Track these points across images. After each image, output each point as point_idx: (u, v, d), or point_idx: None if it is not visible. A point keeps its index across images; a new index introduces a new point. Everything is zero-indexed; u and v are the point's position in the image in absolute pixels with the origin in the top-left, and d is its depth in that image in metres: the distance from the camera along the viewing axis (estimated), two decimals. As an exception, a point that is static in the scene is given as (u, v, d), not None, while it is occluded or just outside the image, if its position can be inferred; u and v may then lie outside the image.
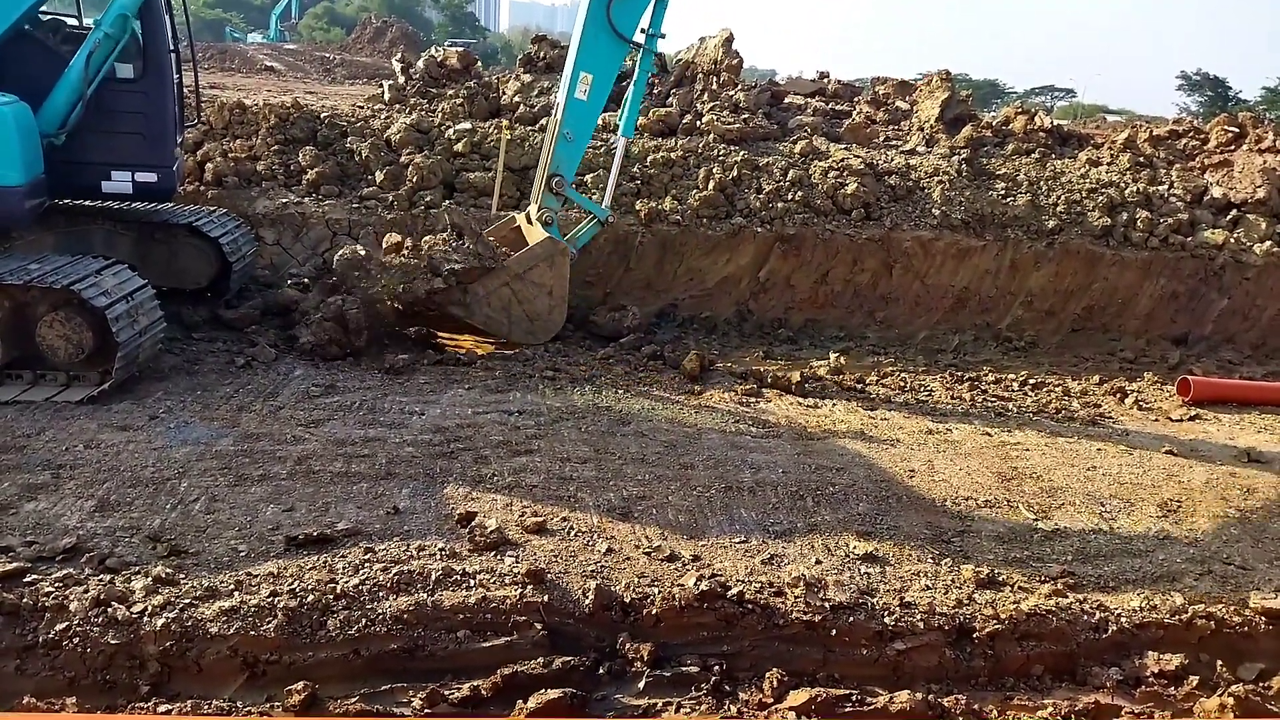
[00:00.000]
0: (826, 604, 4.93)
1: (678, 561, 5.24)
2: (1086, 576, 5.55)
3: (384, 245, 9.66)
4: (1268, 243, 11.78)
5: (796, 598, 4.95)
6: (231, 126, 12.07)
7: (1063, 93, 62.73)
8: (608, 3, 8.87)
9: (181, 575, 4.65)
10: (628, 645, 4.65)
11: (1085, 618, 5.11)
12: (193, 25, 9.42)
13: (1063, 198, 12.04)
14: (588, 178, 11.40)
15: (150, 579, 4.56)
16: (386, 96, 14.25)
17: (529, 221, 9.74)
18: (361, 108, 13.68)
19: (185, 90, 8.75)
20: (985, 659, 4.89)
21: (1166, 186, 12.53)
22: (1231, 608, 5.31)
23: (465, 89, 13.55)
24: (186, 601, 4.45)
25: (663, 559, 5.24)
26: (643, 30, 9.20)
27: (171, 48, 8.32)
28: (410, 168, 11.40)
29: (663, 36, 9.35)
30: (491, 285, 9.01)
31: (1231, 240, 11.84)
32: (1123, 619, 5.14)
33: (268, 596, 4.53)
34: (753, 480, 6.46)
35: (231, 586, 4.59)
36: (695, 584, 4.90)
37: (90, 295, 6.87)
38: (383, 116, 12.86)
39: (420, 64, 14.87)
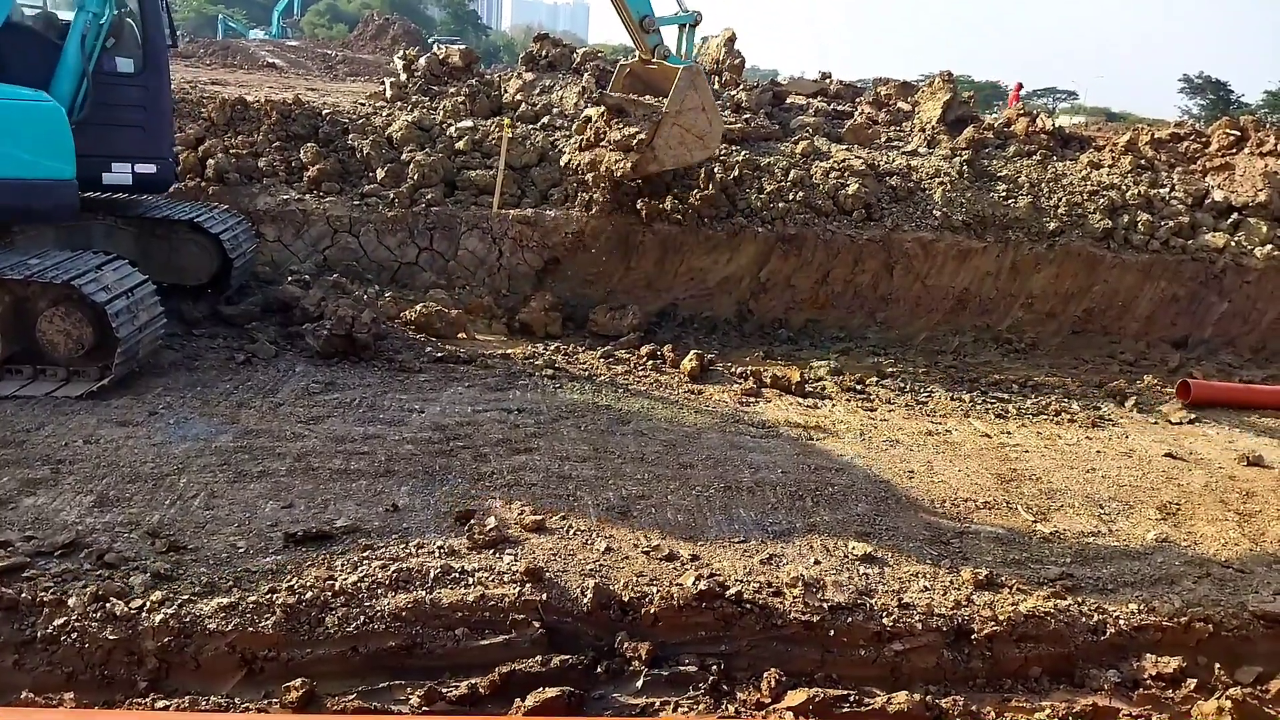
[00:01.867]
0: (825, 604, 4.94)
1: (676, 561, 5.24)
2: (1085, 579, 5.55)
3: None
4: (1268, 246, 11.78)
5: (795, 598, 4.95)
6: (234, 123, 12.06)
7: (1065, 95, 62.80)
8: None
9: (180, 571, 4.66)
10: (626, 644, 4.65)
11: (1083, 620, 5.12)
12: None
13: (1064, 200, 12.03)
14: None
15: (149, 575, 4.56)
16: (388, 94, 14.24)
17: (645, 64, 10.63)
18: (363, 105, 13.67)
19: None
20: (983, 660, 4.89)
21: (1168, 189, 12.53)
22: (1230, 611, 5.31)
23: (467, 87, 13.55)
24: (185, 598, 4.45)
25: (661, 558, 5.24)
26: None
27: (170, 42, 8.59)
28: (411, 165, 11.39)
29: None
30: (665, 133, 10.17)
31: (1232, 243, 11.83)
32: (1121, 621, 5.14)
33: (266, 593, 4.53)
34: (752, 480, 6.46)
35: (230, 583, 4.60)
36: (694, 583, 4.90)
37: (90, 291, 6.87)
38: (384, 114, 12.86)
39: (422, 62, 14.86)
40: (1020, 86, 28.56)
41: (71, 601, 4.34)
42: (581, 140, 10.90)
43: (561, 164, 11.09)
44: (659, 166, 10.40)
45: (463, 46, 16.86)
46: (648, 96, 10.40)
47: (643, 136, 10.14)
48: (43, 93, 7.51)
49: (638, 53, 10.56)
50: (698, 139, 10.38)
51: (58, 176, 7.51)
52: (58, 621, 4.28)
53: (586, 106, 12.96)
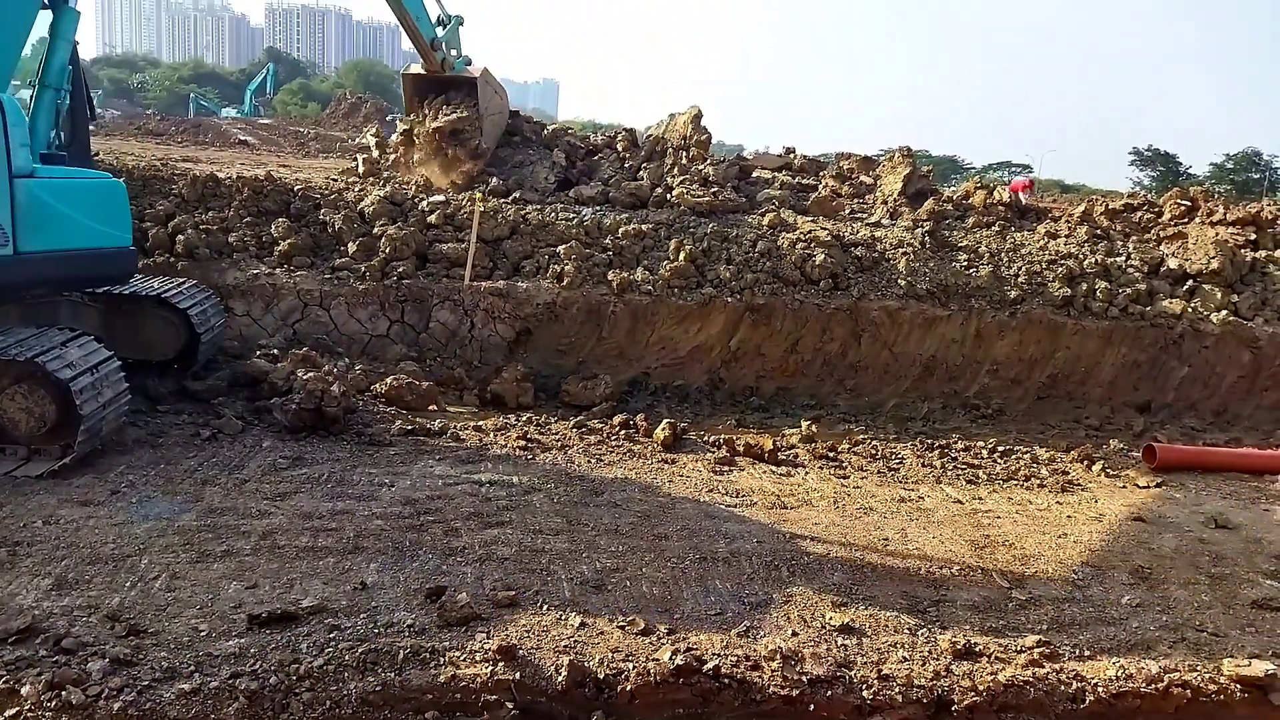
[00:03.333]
0: (804, 677, 4.87)
1: (652, 635, 5.15)
2: (1062, 645, 5.52)
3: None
4: (1224, 312, 12.10)
5: (773, 671, 4.88)
6: (205, 199, 12.10)
7: (1020, 168, 64.92)
8: None
9: (140, 656, 4.50)
10: (602, 723, 4.54)
11: (1062, 688, 5.08)
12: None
13: (1023, 269, 12.33)
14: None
15: (108, 660, 4.41)
16: (361, 169, 14.39)
17: (431, 72, 13.95)
18: (335, 180, 13.79)
19: None
20: (964, 732, 4.82)
21: (1124, 258, 12.89)
22: (1207, 675, 5.31)
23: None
24: (145, 683, 4.30)
25: (637, 633, 5.16)
26: None
27: (90, 115, 9.06)
28: (383, 239, 11.46)
29: None
30: (485, 125, 13.93)
31: (1189, 310, 12.14)
32: (1100, 688, 5.11)
33: (229, 678, 4.38)
34: (727, 550, 6.42)
35: (191, 668, 4.45)
36: (670, 658, 4.82)
37: (54, 368, 6.77)
38: (357, 189, 12.97)
39: (394, 138, 15.06)
40: (1030, 179, 29.60)
41: (25, 690, 4.17)
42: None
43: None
44: (488, 149, 13.96)
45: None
46: (454, 103, 13.77)
47: (485, 145, 13.75)
48: (107, 173, 8.12)
49: (424, 63, 13.84)
50: (498, 114, 14.53)
51: (122, 245, 8.25)
52: (9, 712, 4.10)
53: (551, 178, 13.49)
